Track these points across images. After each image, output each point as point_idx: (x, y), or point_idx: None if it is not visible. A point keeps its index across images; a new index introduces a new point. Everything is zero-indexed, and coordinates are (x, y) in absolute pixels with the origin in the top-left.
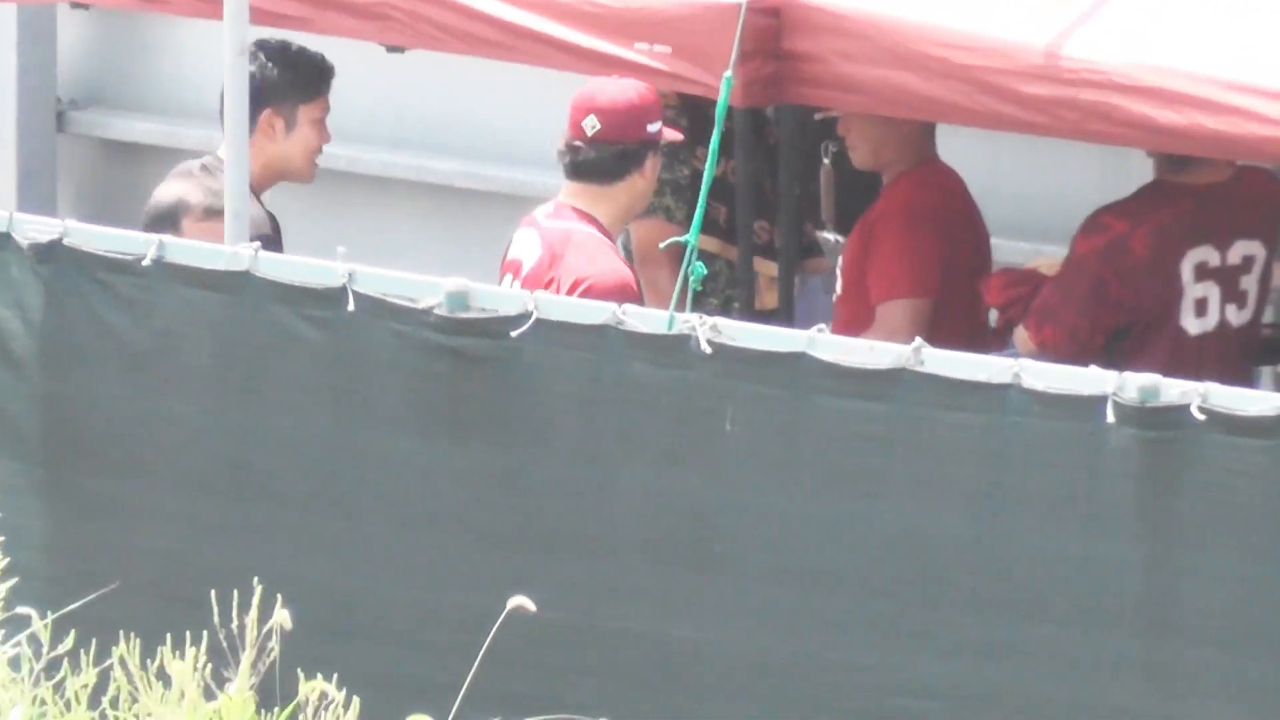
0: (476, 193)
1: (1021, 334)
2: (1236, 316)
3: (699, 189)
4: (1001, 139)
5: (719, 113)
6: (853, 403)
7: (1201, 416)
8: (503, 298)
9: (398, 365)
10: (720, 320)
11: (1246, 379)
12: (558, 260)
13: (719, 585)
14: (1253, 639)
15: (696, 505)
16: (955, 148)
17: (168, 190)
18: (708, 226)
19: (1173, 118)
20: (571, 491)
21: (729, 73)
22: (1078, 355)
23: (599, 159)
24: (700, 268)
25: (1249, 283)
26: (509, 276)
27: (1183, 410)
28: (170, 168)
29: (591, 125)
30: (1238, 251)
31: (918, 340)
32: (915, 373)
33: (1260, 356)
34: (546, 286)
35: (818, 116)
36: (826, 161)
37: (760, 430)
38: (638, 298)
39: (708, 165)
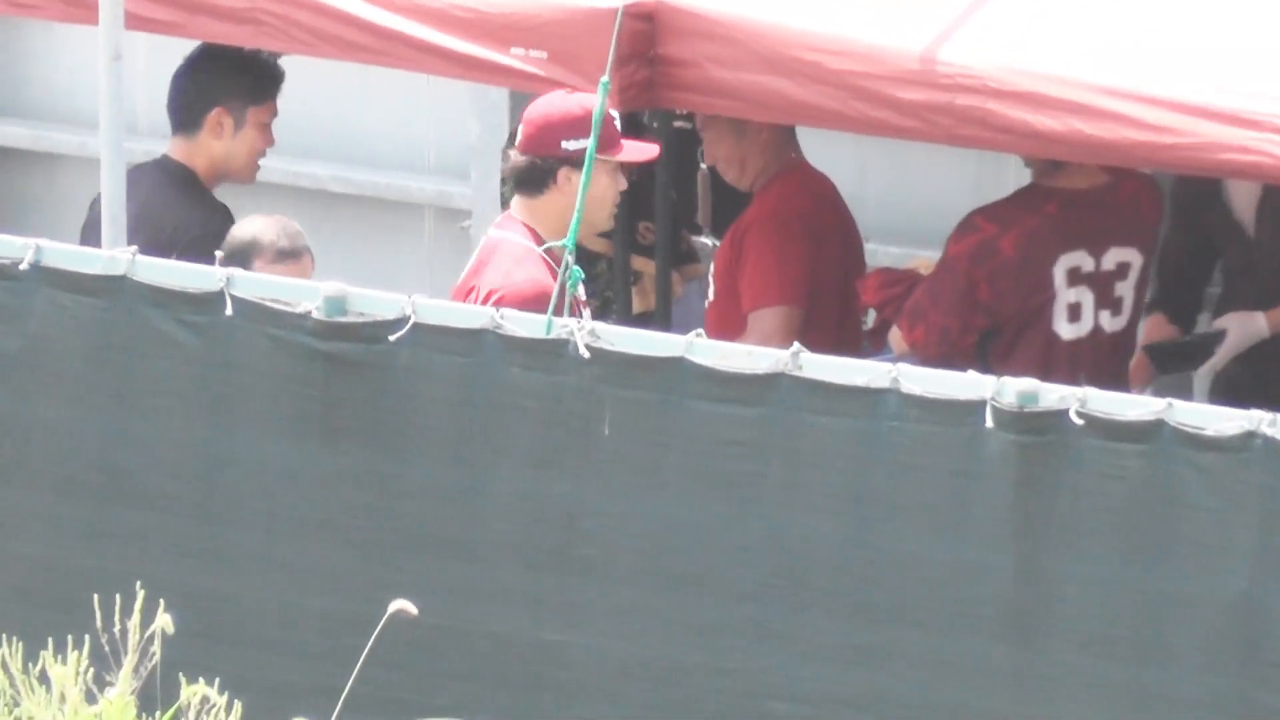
0: (350, 197)
1: (896, 334)
2: (1110, 323)
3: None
4: (874, 143)
5: (595, 118)
6: (730, 408)
7: (1079, 421)
8: (380, 302)
9: (274, 370)
10: (598, 325)
11: (1121, 384)
12: (481, 270)
13: (590, 589)
14: (1124, 644)
15: (570, 509)
16: (827, 153)
17: (245, 227)
18: None
19: (1048, 123)
20: (445, 495)
21: (605, 78)
22: (949, 355)
23: (518, 170)
24: (577, 272)
25: (1124, 289)
26: None
27: (1061, 415)
28: (43, 172)
29: (518, 136)
30: (1112, 258)
31: (795, 345)
32: (793, 377)
33: (1179, 364)
34: (466, 296)
35: (674, 124)
36: (704, 166)
37: (637, 435)
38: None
39: (585, 169)
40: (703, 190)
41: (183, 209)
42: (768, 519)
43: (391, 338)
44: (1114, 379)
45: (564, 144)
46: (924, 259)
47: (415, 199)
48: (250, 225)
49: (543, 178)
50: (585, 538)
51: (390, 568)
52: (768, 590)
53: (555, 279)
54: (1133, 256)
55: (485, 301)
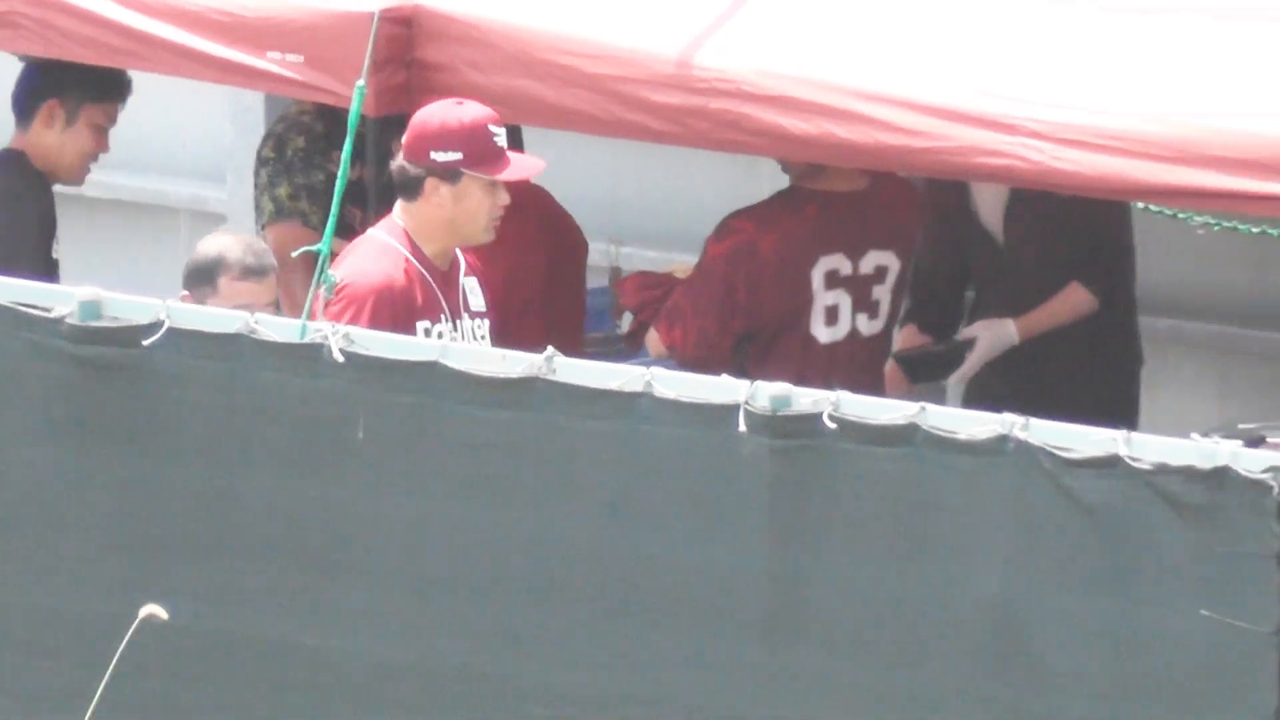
0: (105, 201)
1: (654, 336)
2: (868, 326)
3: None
4: (629, 147)
5: (351, 121)
6: (484, 411)
7: (832, 425)
8: (135, 307)
9: (30, 374)
10: (353, 329)
11: (878, 388)
12: (339, 262)
13: (348, 592)
14: (879, 645)
15: (327, 513)
16: (582, 157)
17: (211, 244)
18: (343, 231)
19: (802, 126)
20: (202, 499)
21: (361, 81)
22: (706, 357)
23: (395, 173)
24: (331, 276)
25: (881, 293)
26: None
27: (814, 419)
28: None
29: (401, 141)
30: (870, 261)
31: (549, 349)
32: (547, 381)
33: (930, 372)
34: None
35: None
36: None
37: (392, 438)
38: (393, 305)
39: (340, 174)
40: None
41: None
42: (524, 522)
43: (146, 342)
44: (871, 382)
45: (433, 154)
46: (680, 264)
47: (171, 203)
48: (216, 242)
49: (414, 185)
50: (342, 541)
51: (147, 571)
52: (525, 593)
53: (412, 279)
54: (890, 260)
55: (335, 291)
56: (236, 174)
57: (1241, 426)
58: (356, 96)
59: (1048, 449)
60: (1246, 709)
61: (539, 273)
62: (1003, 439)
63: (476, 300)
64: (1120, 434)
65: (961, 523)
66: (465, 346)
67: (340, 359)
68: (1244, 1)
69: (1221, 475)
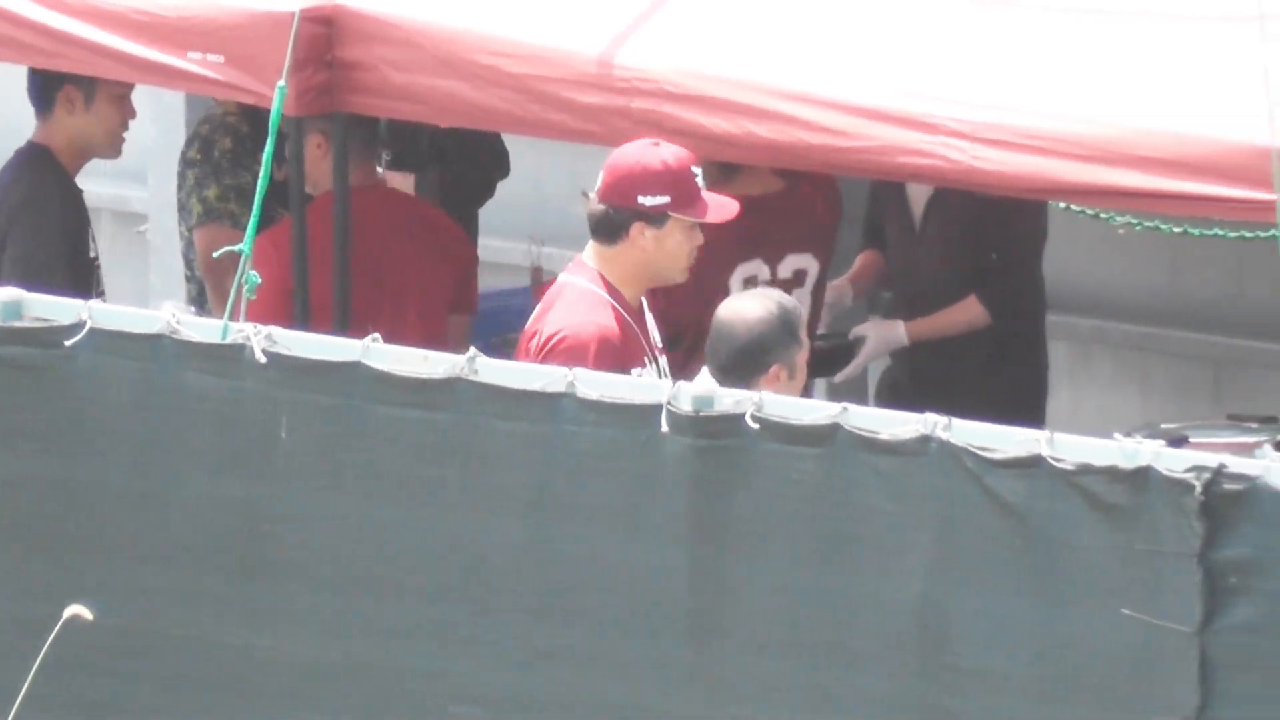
0: None
1: None
2: None
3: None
4: (552, 147)
5: (273, 121)
6: (408, 411)
7: (755, 425)
8: (56, 307)
9: None
10: (275, 329)
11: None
12: (545, 314)
13: (273, 592)
14: (804, 645)
15: (251, 513)
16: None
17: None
18: None
19: (725, 126)
20: (126, 500)
21: (282, 81)
22: None
23: (594, 217)
24: (254, 276)
25: (801, 295)
26: None
27: (737, 419)
28: None
29: (597, 183)
30: (789, 265)
31: (472, 350)
32: (469, 382)
33: (816, 368)
34: (529, 339)
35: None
36: (380, 170)
37: (316, 439)
38: (613, 354)
39: (262, 172)
40: None
41: (10, 176)
42: (448, 522)
43: (68, 342)
44: None
45: (640, 198)
46: None
47: (92, 203)
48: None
49: (617, 229)
50: (266, 541)
51: (72, 571)
52: (450, 593)
53: (621, 326)
54: (809, 263)
55: (548, 343)
56: (158, 174)
57: (1164, 426)
58: (277, 96)
59: (970, 449)
60: (1169, 708)
61: (360, 281)
62: (925, 439)
63: (657, 336)
64: (1043, 434)
65: (884, 523)
66: (387, 347)
67: (263, 359)
68: (1167, 5)
69: (1144, 475)
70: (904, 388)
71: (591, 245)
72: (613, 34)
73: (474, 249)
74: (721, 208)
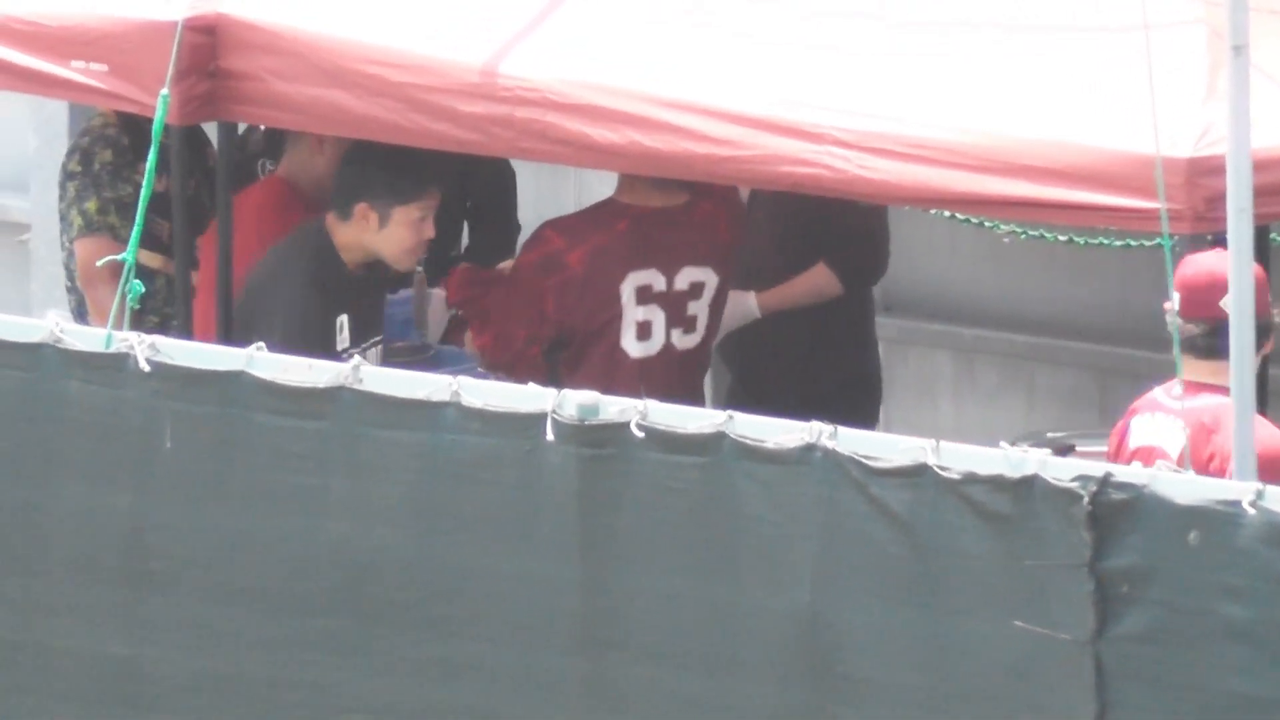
0: None
1: (469, 335)
2: (682, 340)
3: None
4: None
5: (155, 130)
6: (292, 420)
7: (640, 434)
8: None
9: None
10: (159, 339)
11: (694, 399)
12: (1212, 434)
13: (157, 602)
14: (693, 655)
15: (132, 523)
16: None
17: None
18: (151, 243)
19: (608, 135)
20: (5, 510)
21: (165, 90)
22: (513, 363)
23: (1188, 337)
24: (138, 286)
25: (697, 308)
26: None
27: (622, 427)
28: None
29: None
30: (686, 277)
31: (357, 359)
32: (354, 390)
33: None
34: (1208, 462)
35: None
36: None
37: (199, 448)
38: None
39: (145, 182)
40: None
41: None
42: (332, 532)
43: None
44: (686, 395)
45: (1222, 303)
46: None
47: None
48: None
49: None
50: (149, 551)
51: None
52: (336, 603)
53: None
54: (708, 276)
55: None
56: (40, 183)
57: (1050, 435)
58: (160, 106)
59: (855, 458)
60: (1066, 717)
61: None
62: (810, 448)
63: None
64: (929, 443)
65: (770, 532)
66: (272, 355)
67: (146, 368)
68: (1051, 16)
69: (1030, 484)
70: (739, 393)
71: (1188, 360)
72: (496, 44)
73: None
74: None
